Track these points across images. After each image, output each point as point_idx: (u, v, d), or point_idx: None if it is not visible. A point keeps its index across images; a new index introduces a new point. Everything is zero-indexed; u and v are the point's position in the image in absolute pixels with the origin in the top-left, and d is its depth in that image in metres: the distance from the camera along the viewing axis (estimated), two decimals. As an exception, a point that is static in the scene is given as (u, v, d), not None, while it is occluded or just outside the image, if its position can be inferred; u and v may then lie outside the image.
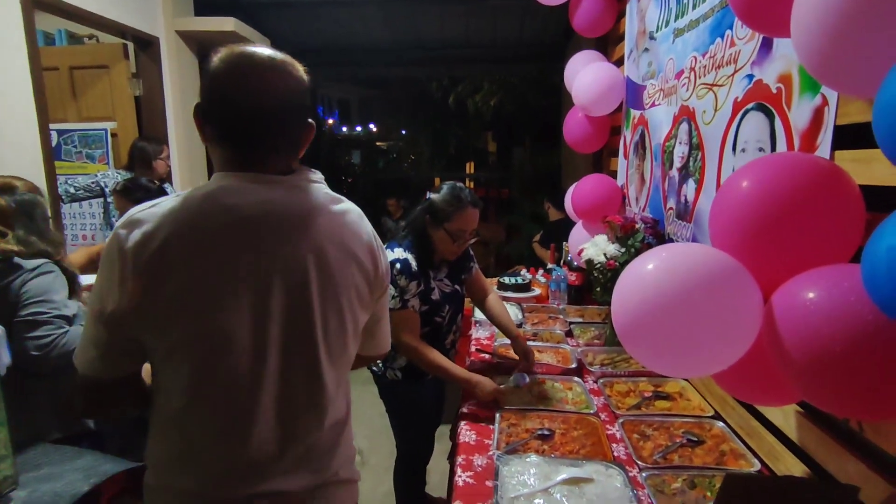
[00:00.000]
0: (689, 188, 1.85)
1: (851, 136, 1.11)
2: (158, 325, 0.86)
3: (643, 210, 2.38)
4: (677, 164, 1.96)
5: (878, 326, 0.78)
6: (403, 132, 12.70)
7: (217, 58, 0.88)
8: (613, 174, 2.83)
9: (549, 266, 3.44)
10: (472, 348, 2.35)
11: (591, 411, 1.70)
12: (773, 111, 1.35)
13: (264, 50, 0.90)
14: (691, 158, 1.84)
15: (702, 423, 1.63)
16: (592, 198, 2.58)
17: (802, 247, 0.97)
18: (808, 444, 1.24)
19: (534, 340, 2.36)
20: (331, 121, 16.98)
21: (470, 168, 10.00)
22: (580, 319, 2.68)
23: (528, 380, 1.80)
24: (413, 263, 1.81)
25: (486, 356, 2.18)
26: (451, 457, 2.15)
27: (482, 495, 1.31)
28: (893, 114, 0.71)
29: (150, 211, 0.86)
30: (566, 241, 3.22)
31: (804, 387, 0.92)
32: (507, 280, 3.15)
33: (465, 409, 1.78)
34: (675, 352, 0.99)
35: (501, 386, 1.77)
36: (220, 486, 0.91)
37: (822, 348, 0.86)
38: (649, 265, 1.04)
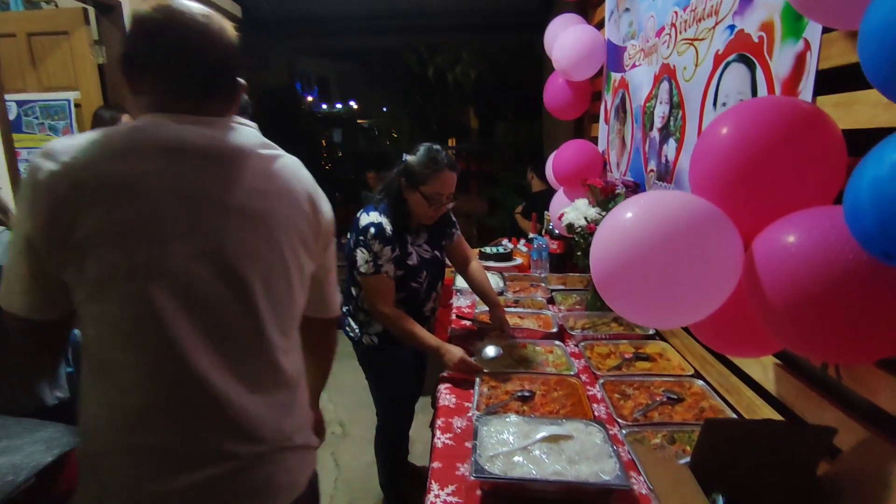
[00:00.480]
0: (670, 148, 1.82)
1: (833, 82, 1.09)
2: (75, 262, 0.80)
3: (624, 175, 2.36)
4: (658, 124, 1.93)
5: (859, 264, 0.76)
6: (384, 109, 12.51)
7: (150, 7, 0.85)
8: (595, 141, 2.80)
9: (531, 236, 3.42)
10: (453, 315, 2.33)
11: (572, 373, 1.69)
12: (755, 61, 1.32)
13: (194, 3, 0.88)
14: (672, 118, 1.81)
15: (682, 382, 1.63)
16: (573, 163, 2.55)
17: (783, 192, 0.95)
18: (786, 396, 1.24)
19: (515, 307, 2.34)
20: (310, 98, 16.65)
21: (452, 143, 9.90)
22: (562, 287, 2.67)
23: (500, 352, 1.75)
24: (388, 227, 1.77)
25: (467, 323, 2.16)
26: (434, 424, 2.14)
27: (461, 456, 1.30)
28: (879, 39, 0.68)
29: (69, 143, 0.81)
30: (548, 210, 3.19)
31: (784, 333, 0.90)
32: (488, 250, 3.12)
33: (445, 374, 1.76)
34: (655, 302, 0.97)
35: (473, 358, 1.73)
36: (187, 442, 0.85)
37: (802, 291, 0.84)
38: (627, 213, 1.02)
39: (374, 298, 1.82)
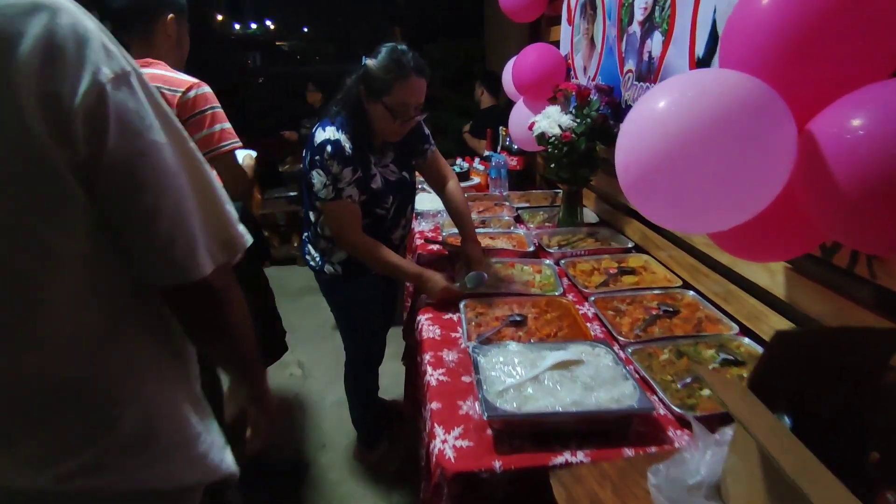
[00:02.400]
0: (655, 42, 1.65)
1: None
2: None
3: (593, 80, 2.18)
4: (639, 17, 1.74)
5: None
6: (305, 30, 11.54)
7: None
8: (556, 46, 2.57)
9: (486, 153, 3.23)
10: (417, 241, 2.15)
11: (558, 292, 1.58)
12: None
13: None
14: (657, 7, 1.62)
15: (673, 294, 1.56)
16: (536, 69, 2.34)
17: (841, 65, 0.81)
18: (799, 301, 1.17)
19: (483, 227, 2.19)
20: (220, 17, 15.08)
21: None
22: (527, 204, 2.53)
23: (486, 278, 1.60)
24: (347, 146, 1.51)
25: (435, 247, 2.00)
26: (407, 357, 2.02)
27: (462, 392, 1.16)
28: None
29: None
30: (503, 125, 3.00)
31: (843, 224, 0.79)
32: (444, 171, 2.91)
33: (422, 302, 1.61)
34: (700, 201, 0.83)
35: (457, 285, 1.58)
36: None
37: (871, 177, 0.72)
38: (661, 101, 0.85)
39: (338, 227, 1.60)
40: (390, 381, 2.38)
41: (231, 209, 0.75)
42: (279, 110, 6.27)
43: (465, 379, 1.21)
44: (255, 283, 1.92)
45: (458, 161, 3.22)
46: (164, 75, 1.43)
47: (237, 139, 1.53)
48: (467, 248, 1.74)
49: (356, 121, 1.55)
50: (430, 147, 1.81)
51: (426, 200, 2.49)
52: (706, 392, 1.11)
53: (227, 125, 1.50)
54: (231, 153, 1.52)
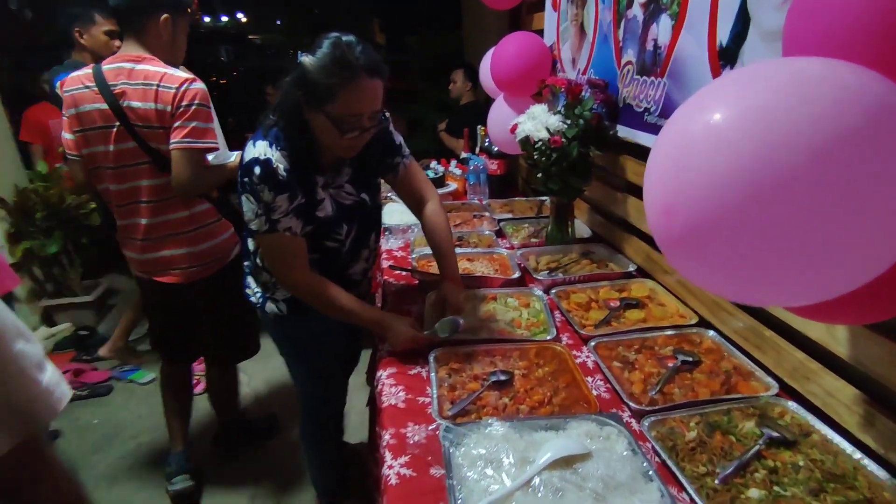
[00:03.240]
0: (662, 28, 1.36)
1: None
2: None
3: (584, 73, 1.89)
4: (641, -3, 1.46)
5: None
6: (279, 23, 11.12)
7: None
8: (538, 34, 2.28)
9: (463, 155, 2.93)
10: (384, 264, 1.85)
11: (551, 336, 1.30)
12: None
13: None
14: (665, -16, 1.34)
15: (689, 336, 1.28)
16: (517, 62, 2.04)
17: None
18: (867, 361, 0.90)
19: (460, 246, 1.90)
20: (188, 10, 14.52)
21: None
22: (509, 215, 2.24)
23: (462, 324, 1.28)
24: (281, 167, 1.19)
25: (403, 273, 1.69)
26: (371, 404, 1.71)
27: (430, 495, 0.87)
28: None
29: None
30: (482, 124, 2.70)
31: None
32: (416, 176, 2.60)
33: (383, 352, 1.31)
34: (800, 263, 0.53)
35: (426, 332, 1.28)
36: None
37: None
38: (732, 110, 0.55)
39: (275, 264, 1.29)
40: (357, 418, 2.08)
41: (37, 375, 0.54)
42: (247, 109, 5.88)
43: (435, 472, 0.91)
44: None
45: (433, 164, 2.92)
46: (158, 71, 1.55)
47: (214, 141, 1.61)
48: (446, 291, 1.40)
49: (295, 134, 1.22)
50: (404, 160, 1.46)
51: (395, 212, 2.18)
52: (755, 494, 0.83)
53: (209, 125, 1.59)
54: (199, 152, 1.58)
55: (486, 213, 2.25)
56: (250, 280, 1.46)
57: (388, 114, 1.39)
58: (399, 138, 1.45)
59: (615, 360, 1.20)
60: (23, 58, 3.70)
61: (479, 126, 2.81)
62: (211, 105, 1.61)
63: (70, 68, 2.01)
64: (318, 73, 1.13)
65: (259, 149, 1.20)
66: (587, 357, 1.24)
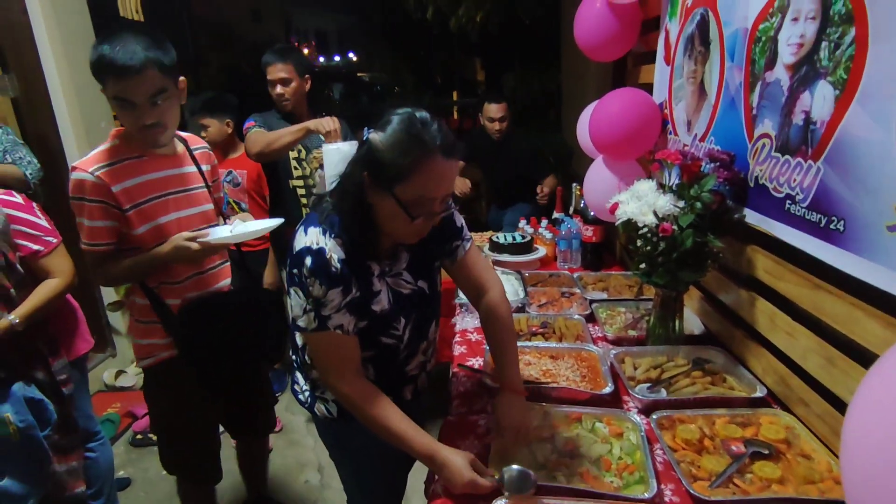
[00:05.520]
0: (819, 97, 1.05)
1: None
2: None
3: (702, 140, 1.59)
4: (787, 57, 1.15)
5: None
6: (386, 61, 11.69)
7: None
8: (646, 90, 1.99)
9: (556, 215, 2.67)
10: (456, 350, 1.63)
11: (649, 494, 1.00)
12: None
13: None
14: (825, 42, 1.03)
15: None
16: (623, 123, 1.77)
17: None
18: None
19: (543, 336, 1.64)
20: (306, 51, 15.65)
21: (456, 96, 8.95)
22: (603, 296, 1.94)
23: (534, 481, 1.00)
24: (335, 257, 1.04)
25: (476, 374, 1.46)
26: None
27: None
28: None
29: None
30: (577, 184, 2.44)
31: None
32: (501, 239, 2.38)
33: (437, 488, 1.08)
34: None
35: (491, 477, 1.03)
36: None
37: None
38: None
39: (323, 368, 1.14)
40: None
41: None
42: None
43: None
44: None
45: (521, 223, 2.68)
46: None
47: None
48: (502, 408, 1.16)
49: (357, 220, 1.06)
50: (464, 243, 1.28)
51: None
52: None
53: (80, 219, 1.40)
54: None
55: (577, 291, 1.97)
56: (298, 375, 1.32)
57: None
58: (461, 220, 1.28)
59: (742, 551, 0.88)
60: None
61: (574, 185, 2.55)
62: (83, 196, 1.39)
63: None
64: (390, 152, 0.98)
65: (311, 236, 1.05)
66: (700, 533, 0.93)
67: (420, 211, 1.02)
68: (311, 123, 2.10)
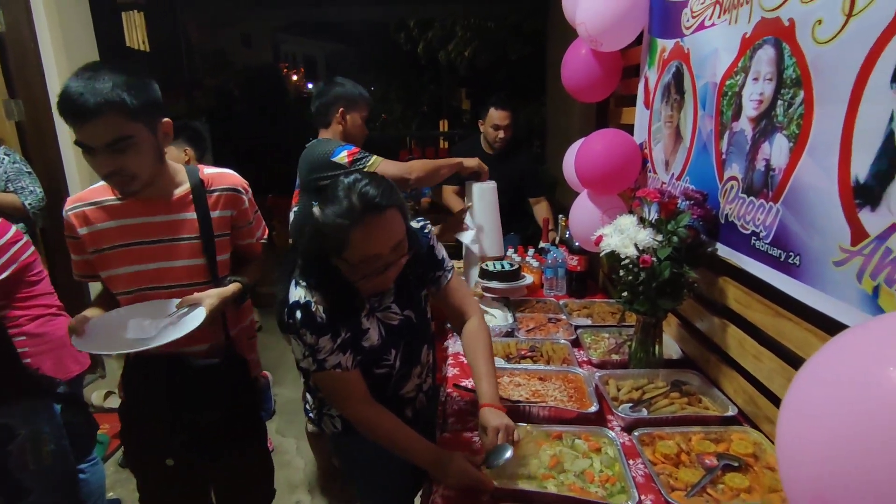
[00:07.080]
0: (777, 148, 1.20)
1: None
2: None
3: (678, 179, 1.74)
4: (750, 110, 1.30)
5: None
6: (373, 88, 11.92)
7: None
8: (626, 130, 2.16)
9: (542, 245, 2.80)
10: (449, 370, 1.72)
11: (632, 501, 1.09)
12: None
13: None
14: (781, 101, 1.18)
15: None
16: (607, 162, 1.92)
17: None
18: None
19: (531, 359, 1.74)
20: (295, 77, 15.87)
21: (444, 126, 9.18)
22: (588, 322, 2.06)
23: (510, 453, 1.15)
24: (320, 310, 1.15)
25: (469, 393, 1.55)
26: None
27: None
28: None
29: None
30: (563, 215, 2.58)
31: None
32: (490, 267, 2.50)
33: (437, 497, 1.16)
34: None
35: (482, 467, 1.16)
36: None
37: None
38: None
39: (330, 400, 1.29)
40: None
41: None
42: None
43: None
44: None
45: (510, 252, 2.80)
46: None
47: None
48: (485, 416, 1.24)
49: (327, 278, 1.17)
50: (446, 273, 1.39)
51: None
52: None
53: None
54: None
55: (563, 317, 2.08)
56: (307, 395, 1.42)
57: (430, 227, 1.34)
58: (442, 251, 1.39)
59: (714, 551, 0.98)
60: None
61: (560, 216, 2.69)
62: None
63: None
64: (327, 227, 1.08)
65: (297, 293, 1.16)
66: (677, 537, 1.02)
67: (371, 267, 1.12)
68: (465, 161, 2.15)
